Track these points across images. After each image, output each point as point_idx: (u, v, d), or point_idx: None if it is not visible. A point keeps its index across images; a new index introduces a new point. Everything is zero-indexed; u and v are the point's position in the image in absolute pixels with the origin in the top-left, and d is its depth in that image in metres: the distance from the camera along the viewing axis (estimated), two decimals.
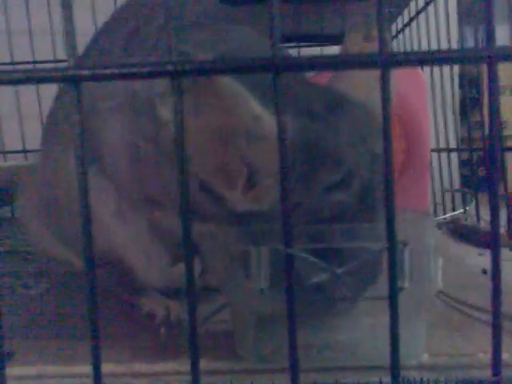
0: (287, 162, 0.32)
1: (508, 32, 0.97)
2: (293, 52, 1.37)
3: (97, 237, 0.55)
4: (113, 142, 0.52)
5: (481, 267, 0.72)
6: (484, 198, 1.04)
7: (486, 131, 1.01)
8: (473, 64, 0.98)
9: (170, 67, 0.32)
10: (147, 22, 0.54)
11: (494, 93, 0.33)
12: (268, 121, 0.41)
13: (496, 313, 0.34)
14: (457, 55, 0.32)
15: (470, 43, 1.36)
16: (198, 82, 0.39)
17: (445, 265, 0.50)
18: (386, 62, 0.32)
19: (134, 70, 0.32)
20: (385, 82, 0.32)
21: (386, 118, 0.32)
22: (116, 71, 0.32)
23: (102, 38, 0.59)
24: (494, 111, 0.33)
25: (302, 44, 1.35)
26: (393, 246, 0.31)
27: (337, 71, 0.49)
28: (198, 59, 0.33)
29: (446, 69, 1.15)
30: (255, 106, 0.40)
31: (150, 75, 0.33)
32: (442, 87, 1.16)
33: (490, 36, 0.32)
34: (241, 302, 0.43)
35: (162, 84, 0.40)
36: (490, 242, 0.33)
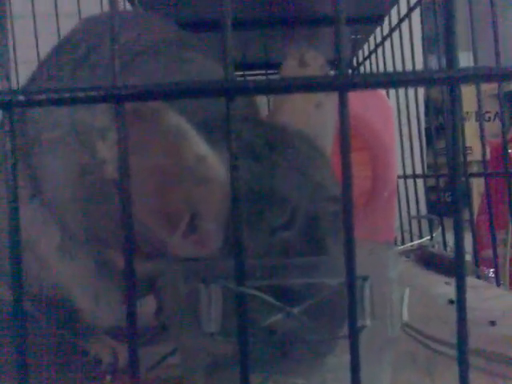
0: (239, 192, 0.30)
1: (470, 59, 0.98)
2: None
3: (40, 273, 0.52)
4: (55, 174, 0.49)
5: (447, 297, 0.70)
6: (451, 224, 1.04)
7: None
8: (433, 86, 0.97)
9: (113, 91, 0.30)
10: (97, 49, 0.52)
11: (457, 115, 0.31)
12: (213, 162, 0.38)
13: (462, 351, 0.31)
14: (417, 77, 0.31)
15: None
16: (140, 118, 0.36)
17: (411, 295, 0.48)
18: (344, 84, 0.30)
19: (75, 94, 0.30)
20: (343, 105, 0.30)
21: (345, 142, 0.30)
22: (54, 96, 0.30)
23: (50, 64, 0.57)
24: (456, 134, 0.31)
25: (269, 72, 1.36)
26: (352, 281, 0.29)
27: (286, 96, 0.47)
28: (143, 84, 0.30)
29: (412, 96, 1.14)
30: (200, 145, 0.38)
31: (92, 100, 0.30)
32: (408, 114, 1.15)
33: (452, 58, 0.31)
34: (190, 346, 0.39)
35: (102, 118, 0.37)
36: (455, 278, 0.31)
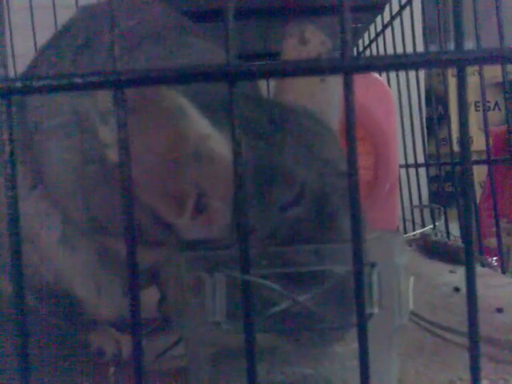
0: (242, 179, 0.29)
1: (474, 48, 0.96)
2: None
3: (41, 265, 0.51)
4: (56, 163, 0.49)
5: (452, 285, 0.70)
6: (452, 213, 1.03)
7: (454, 147, 0.99)
8: (441, 67, 0.96)
9: (112, 77, 0.29)
10: (97, 36, 0.51)
11: (464, 97, 0.30)
12: (217, 140, 0.37)
13: (473, 339, 0.31)
14: (424, 59, 0.30)
15: None
16: (142, 99, 0.35)
17: (415, 284, 0.47)
18: (349, 66, 0.29)
19: (73, 80, 0.29)
20: (348, 88, 0.29)
21: (350, 125, 0.30)
22: (52, 82, 0.29)
23: (50, 51, 0.56)
24: (464, 119, 0.30)
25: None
26: (359, 268, 0.28)
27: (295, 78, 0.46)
28: (143, 69, 0.29)
29: (413, 84, 1.13)
30: (204, 125, 0.37)
31: (91, 86, 0.29)
32: (410, 102, 1.14)
33: (459, 40, 0.30)
34: (195, 336, 0.39)
35: (103, 102, 0.36)
36: (465, 262, 0.31)
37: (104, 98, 0.37)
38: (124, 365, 0.51)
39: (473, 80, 1.05)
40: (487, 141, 0.82)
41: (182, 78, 0.30)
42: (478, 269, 0.81)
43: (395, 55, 0.30)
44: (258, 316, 0.28)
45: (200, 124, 0.37)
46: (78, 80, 0.29)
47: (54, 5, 1.25)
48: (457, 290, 0.67)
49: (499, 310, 0.58)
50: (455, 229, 0.97)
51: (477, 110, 1.80)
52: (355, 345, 0.28)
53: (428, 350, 0.50)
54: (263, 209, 0.39)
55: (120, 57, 0.46)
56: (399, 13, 1.09)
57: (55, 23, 1.20)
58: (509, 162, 0.73)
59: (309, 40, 0.49)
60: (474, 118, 1.76)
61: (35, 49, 1.15)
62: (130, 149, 0.29)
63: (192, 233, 0.40)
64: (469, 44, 1.04)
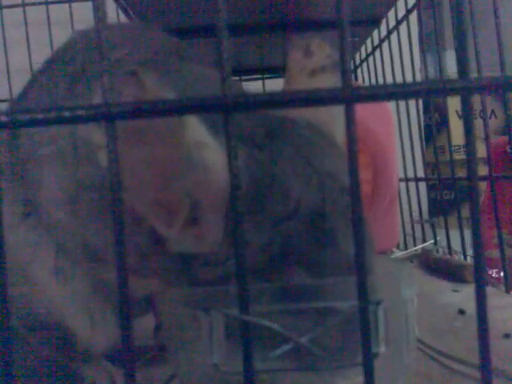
0: (240, 214, 0.28)
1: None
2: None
3: (33, 296, 0.50)
4: (51, 191, 0.47)
5: (456, 306, 0.68)
6: (452, 220, 1.02)
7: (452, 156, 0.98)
8: (445, 96, 0.95)
9: (103, 110, 0.28)
10: (94, 63, 0.50)
11: (470, 125, 0.29)
12: (214, 149, 0.36)
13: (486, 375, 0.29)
14: (427, 87, 0.29)
15: (431, 70, 1.35)
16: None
17: (419, 304, 0.45)
18: (350, 97, 0.28)
19: (62, 114, 0.28)
20: (349, 119, 0.28)
21: (352, 154, 0.28)
22: (39, 116, 0.28)
23: (43, 77, 0.54)
24: (471, 144, 0.29)
25: (266, 76, 1.34)
26: (365, 306, 0.27)
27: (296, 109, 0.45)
28: (135, 101, 0.28)
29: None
30: (201, 132, 0.35)
31: (81, 120, 0.28)
32: (408, 113, 1.13)
33: (464, 67, 0.29)
34: (191, 376, 0.37)
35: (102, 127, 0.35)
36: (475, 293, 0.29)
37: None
38: None
39: None
40: (488, 156, 0.81)
41: (177, 109, 0.28)
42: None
43: (397, 84, 0.29)
44: (259, 357, 0.26)
45: (197, 131, 0.35)
46: (67, 113, 0.28)
47: (48, 21, 1.24)
48: (461, 312, 0.66)
49: (507, 336, 0.56)
50: (456, 237, 0.95)
51: (474, 118, 1.80)
52: (360, 378, 0.27)
53: (435, 382, 0.48)
54: (256, 221, 0.37)
55: (115, 85, 0.45)
56: (396, 27, 1.08)
57: (50, 40, 1.19)
58: (511, 178, 0.72)
59: (314, 53, 0.48)
60: (458, 127, 1.75)
61: (30, 65, 1.14)
62: (123, 154, 0.28)
63: (182, 246, 0.39)
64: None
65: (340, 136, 0.46)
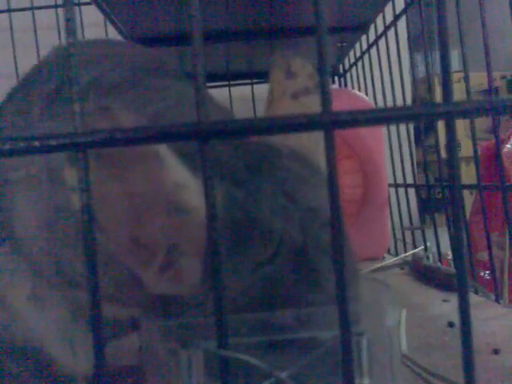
0: (218, 249, 0.27)
1: (458, 58, 0.96)
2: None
3: (10, 325, 0.49)
4: (25, 216, 0.46)
5: (446, 318, 0.67)
6: (441, 219, 1.01)
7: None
8: (428, 121, 0.95)
9: (74, 139, 0.27)
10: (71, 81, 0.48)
11: (453, 149, 0.28)
12: (193, 192, 0.34)
13: None
14: (410, 112, 0.28)
15: (421, 69, 1.35)
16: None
17: (408, 316, 0.45)
18: (329, 123, 0.27)
19: (29, 144, 0.27)
20: (328, 145, 0.27)
21: (332, 180, 0.28)
22: (6, 147, 0.27)
23: (19, 96, 0.53)
24: (454, 166, 0.28)
25: (255, 81, 1.33)
26: (347, 337, 0.26)
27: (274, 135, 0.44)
28: (107, 129, 0.27)
29: (399, 94, 1.11)
30: (180, 172, 0.34)
31: (51, 150, 0.27)
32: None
33: (448, 91, 0.28)
34: None
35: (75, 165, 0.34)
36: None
37: None
38: None
39: (458, 87, 1.03)
40: (477, 164, 0.80)
41: (149, 138, 0.27)
42: (471, 297, 0.79)
43: (379, 109, 0.28)
44: None
45: (176, 172, 0.34)
46: (36, 143, 0.27)
47: (34, 26, 1.24)
48: (451, 325, 0.65)
49: (496, 352, 0.55)
50: (446, 238, 0.94)
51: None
52: None
53: None
54: (235, 267, 0.36)
55: (91, 106, 0.44)
56: (384, 32, 1.07)
57: (36, 45, 1.18)
58: (499, 188, 0.71)
59: (296, 74, 0.46)
60: (462, 125, 1.75)
61: (16, 70, 1.13)
62: (100, 191, 0.28)
63: (158, 287, 0.37)
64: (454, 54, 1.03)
65: (324, 164, 0.45)
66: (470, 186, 0.84)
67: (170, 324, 0.34)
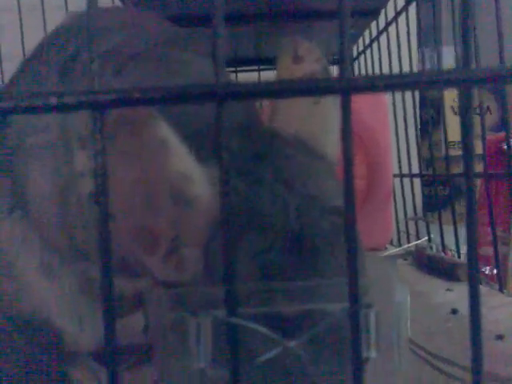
0: (228, 209, 0.27)
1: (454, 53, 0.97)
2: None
3: (18, 295, 0.49)
4: (40, 184, 0.46)
5: (450, 306, 0.67)
6: (446, 216, 1.00)
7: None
8: (444, 88, 0.94)
9: (90, 98, 0.27)
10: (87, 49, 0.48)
11: (468, 119, 0.28)
12: (198, 182, 0.35)
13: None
14: (427, 78, 0.28)
15: (428, 65, 1.35)
16: (124, 125, 0.32)
17: (412, 303, 0.44)
18: (347, 87, 0.27)
19: (47, 101, 0.27)
20: (345, 110, 0.27)
21: (348, 151, 0.27)
22: (23, 104, 0.27)
23: (35, 63, 0.52)
24: (469, 139, 0.28)
25: (262, 67, 1.33)
26: (356, 309, 0.26)
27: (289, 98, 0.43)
28: (125, 88, 0.27)
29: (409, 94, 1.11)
30: (186, 163, 0.35)
31: (67, 108, 0.27)
32: (404, 108, 1.12)
33: (466, 58, 0.28)
34: (177, 380, 0.36)
35: (83, 125, 0.34)
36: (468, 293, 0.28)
37: (84, 120, 0.35)
38: None
39: None
40: (484, 153, 0.80)
41: (167, 99, 0.27)
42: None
43: (396, 75, 0.28)
44: (246, 363, 0.25)
45: (182, 162, 0.35)
46: (53, 101, 0.27)
47: (42, 5, 1.23)
48: (454, 312, 0.65)
49: (500, 337, 0.55)
50: (450, 233, 0.94)
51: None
52: None
53: None
54: (234, 256, 0.36)
55: (108, 75, 0.43)
56: (395, 18, 1.07)
57: (44, 25, 1.18)
58: (507, 176, 0.71)
59: (303, 58, 0.46)
60: (454, 123, 1.74)
61: (23, 50, 1.13)
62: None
63: (162, 274, 0.38)
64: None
65: (331, 149, 0.44)
66: (478, 175, 0.84)
67: (178, 292, 0.34)
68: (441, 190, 1.32)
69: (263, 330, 0.30)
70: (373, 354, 0.31)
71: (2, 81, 1.11)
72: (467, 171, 0.28)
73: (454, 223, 0.88)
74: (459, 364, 0.48)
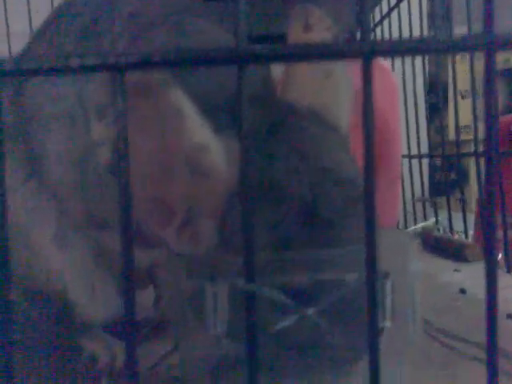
0: (249, 176, 0.27)
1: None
2: None
3: (32, 263, 0.49)
4: (57, 153, 0.46)
5: (458, 286, 0.68)
6: (455, 202, 1.00)
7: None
8: (467, 52, 0.94)
9: (112, 59, 0.27)
10: (104, 16, 0.48)
11: (492, 85, 0.28)
12: (214, 153, 0.35)
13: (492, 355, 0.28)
14: (450, 42, 0.27)
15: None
16: (142, 94, 0.32)
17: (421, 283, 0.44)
18: (369, 50, 0.27)
19: (70, 63, 0.27)
20: (366, 74, 0.27)
21: (368, 116, 0.27)
22: (45, 65, 0.26)
23: (50, 30, 0.52)
24: (491, 106, 0.28)
25: None
26: (373, 278, 0.26)
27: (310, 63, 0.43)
28: (146, 51, 0.27)
29: (419, 70, 1.10)
30: (202, 133, 0.35)
31: (89, 69, 0.27)
32: (415, 90, 1.12)
33: (489, 20, 0.27)
34: (193, 348, 0.36)
35: (102, 94, 0.34)
36: (485, 271, 0.28)
37: (102, 88, 0.35)
38: (118, 374, 0.48)
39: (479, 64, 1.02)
40: (496, 132, 0.79)
41: (188, 61, 0.27)
42: (482, 267, 0.78)
43: (419, 39, 0.27)
44: (263, 330, 0.25)
45: (198, 132, 0.35)
46: (75, 62, 0.27)
47: None
48: (463, 291, 0.65)
49: (510, 316, 0.56)
50: (458, 219, 0.95)
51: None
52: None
53: (436, 362, 0.47)
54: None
55: (125, 42, 0.43)
56: None
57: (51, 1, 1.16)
58: None
59: (313, 26, 0.46)
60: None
61: (30, 26, 1.11)
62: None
63: (177, 246, 0.38)
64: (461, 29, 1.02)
65: (343, 121, 0.45)
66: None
67: (196, 260, 0.35)
68: (448, 176, 1.32)
69: (281, 297, 0.30)
70: (388, 323, 0.31)
71: (10, 56, 1.10)
72: (488, 139, 0.28)
73: (463, 201, 0.87)
74: (470, 340, 0.48)
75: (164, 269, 0.40)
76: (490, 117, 0.28)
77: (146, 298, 0.57)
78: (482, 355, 0.38)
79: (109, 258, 0.46)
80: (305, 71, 0.45)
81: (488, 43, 0.27)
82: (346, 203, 0.38)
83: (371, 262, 0.26)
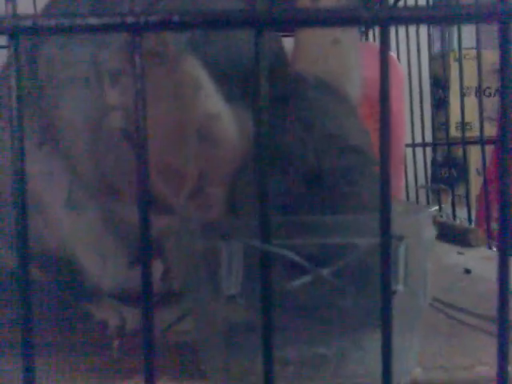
0: (264, 136, 0.27)
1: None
2: None
3: (43, 230, 0.49)
4: (71, 117, 0.46)
5: (462, 266, 0.68)
6: (459, 194, 1.00)
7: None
8: (483, 21, 0.93)
9: (131, 19, 0.27)
10: None
11: (507, 60, 0.28)
12: (226, 121, 0.35)
13: (502, 321, 0.28)
14: (467, 11, 0.27)
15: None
16: (156, 60, 0.32)
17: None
18: (387, 17, 0.27)
19: (88, 21, 0.27)
20: (384, 41, 0.27)
21: (384, 84, 0.28)
22: (64, 22, 0.26)
23: None
24: (507, 86, 0.28)
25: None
26: (387, 240, 0.26)
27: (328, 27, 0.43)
28: (164, 12, 0.27)
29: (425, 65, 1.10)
30: (215, 102, 0.35)
31: (108, 28, 0.27)
32: (420, 78, 1.12)
33: None
34: (207, 311, 0.36)
35: (114, 61, 0.34)
36: (498, 244, 0.28)
37: (116, 54, 0.35)
38: (127, 339, 0.48)
39: (474, 64, 1.02)
40: (505, 117, 0.79)
41: (206, 23, 0.27)
42: (486, 251, 0.79)
43: (437, 7, 0.27)
44: (277, 292, 0.25)
45: (212, 101, 0.35)
46: (94, 21, 0.27)
47: None
48: (467, 271, 0.65)
49: None
50: (462, 211, 0.95)
51: (477, 96, 1.78)
52: None
53: (444, 333, 0.47)
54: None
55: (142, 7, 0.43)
56: None
57: None
58: None
59: None
60: (475, 104, 1.73)
61: (34, 7, 1.09)
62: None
63: (187, 213, 0.38)
64: None
65: (352, 89, 0.45)
66: (492, 142, 0.84)
67: (211, 221, 0.35)
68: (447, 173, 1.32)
69: (296, 257, 0.30)
70: (400, 287, 0.31)
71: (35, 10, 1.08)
72: (503, 114, 0.28)
73: (467, 191, 0.88)
74: (477, 313, 0.48)
75: (174, 237, 0.40)
76: (506, 92, 0.28)
77: (153, 270, 0.57)
78: (488, 327, 0.38)
79: (120, 226, 0.47)
80: (312, 39, 0.45)
81: (503, 12, 0.27)
82: (353, 170, 0.38)
83: (385, 223, 0.26)
